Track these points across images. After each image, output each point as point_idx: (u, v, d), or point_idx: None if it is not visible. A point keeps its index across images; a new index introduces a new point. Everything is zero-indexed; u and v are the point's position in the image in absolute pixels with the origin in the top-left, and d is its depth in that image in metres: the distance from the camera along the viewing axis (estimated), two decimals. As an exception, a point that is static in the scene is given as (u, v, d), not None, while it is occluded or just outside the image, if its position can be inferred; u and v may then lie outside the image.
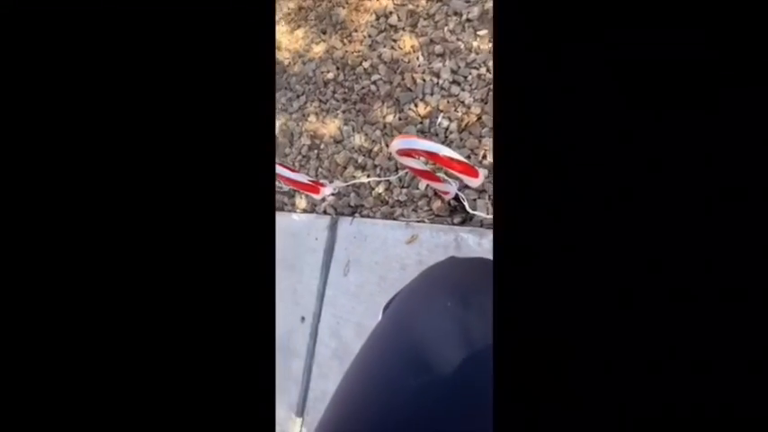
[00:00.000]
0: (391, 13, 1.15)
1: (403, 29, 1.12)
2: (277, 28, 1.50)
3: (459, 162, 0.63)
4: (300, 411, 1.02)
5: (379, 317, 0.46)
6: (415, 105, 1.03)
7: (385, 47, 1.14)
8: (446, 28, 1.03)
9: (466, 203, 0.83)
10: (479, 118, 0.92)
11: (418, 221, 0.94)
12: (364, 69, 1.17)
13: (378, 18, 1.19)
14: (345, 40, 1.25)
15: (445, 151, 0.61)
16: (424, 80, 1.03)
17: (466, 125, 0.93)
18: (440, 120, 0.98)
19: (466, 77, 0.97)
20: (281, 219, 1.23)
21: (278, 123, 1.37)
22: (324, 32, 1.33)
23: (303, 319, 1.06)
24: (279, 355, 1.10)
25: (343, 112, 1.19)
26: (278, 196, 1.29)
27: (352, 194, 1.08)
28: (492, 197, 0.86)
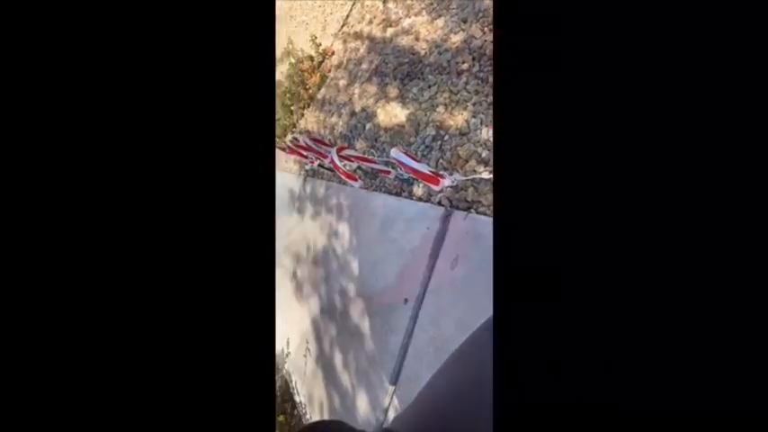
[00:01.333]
0: (542, -3, 1.06)
1: (553, 15, 1.02)
2: (416, 19, 1.54)
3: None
4: (393, 385, 1.10)
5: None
6: (555, 100, 0.94)
7: (529, 35, 1.07)
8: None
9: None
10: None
11: (539, 227, 0.88)
12: (502, 60, 1.12)
13: (525, 4, 1.11)
14: (486, 29, 1.21)
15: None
16: (571, 72, 0.93)
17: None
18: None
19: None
20: (398, 203, 1.30)
21: (406, 113, 1.42)
22: (464, 21, 1.31)
23: (406, 300, 1.12)
24: (380, 328, 1.19)
25: (474, 104, 1.16)
26: (396, 182, 1.36)
27: (470, 189, 1.06)
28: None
